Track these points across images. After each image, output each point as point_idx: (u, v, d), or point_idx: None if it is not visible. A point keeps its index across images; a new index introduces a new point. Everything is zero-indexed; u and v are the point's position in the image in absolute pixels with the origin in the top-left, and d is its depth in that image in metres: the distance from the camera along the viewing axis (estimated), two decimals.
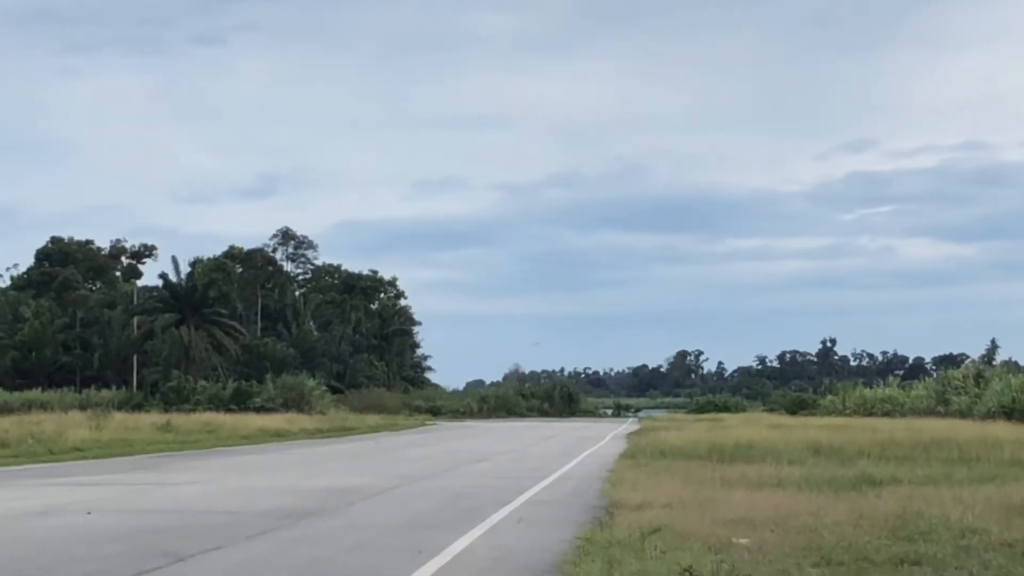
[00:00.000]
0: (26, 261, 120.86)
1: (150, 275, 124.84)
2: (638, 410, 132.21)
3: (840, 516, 15.03)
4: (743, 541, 12.90)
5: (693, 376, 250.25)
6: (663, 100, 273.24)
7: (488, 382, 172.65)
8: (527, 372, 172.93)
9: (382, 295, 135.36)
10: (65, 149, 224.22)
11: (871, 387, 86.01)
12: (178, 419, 52.11)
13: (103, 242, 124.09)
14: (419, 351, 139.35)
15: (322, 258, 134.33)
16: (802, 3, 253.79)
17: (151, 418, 52.95)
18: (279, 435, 51.24)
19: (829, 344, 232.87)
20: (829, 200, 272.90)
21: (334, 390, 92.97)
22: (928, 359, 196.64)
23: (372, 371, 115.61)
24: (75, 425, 43.71)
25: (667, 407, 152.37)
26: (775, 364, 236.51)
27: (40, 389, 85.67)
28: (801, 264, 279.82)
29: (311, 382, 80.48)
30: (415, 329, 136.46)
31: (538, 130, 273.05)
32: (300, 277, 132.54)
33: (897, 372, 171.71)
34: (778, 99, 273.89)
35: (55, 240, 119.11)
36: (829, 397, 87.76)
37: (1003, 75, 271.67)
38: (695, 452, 30.94)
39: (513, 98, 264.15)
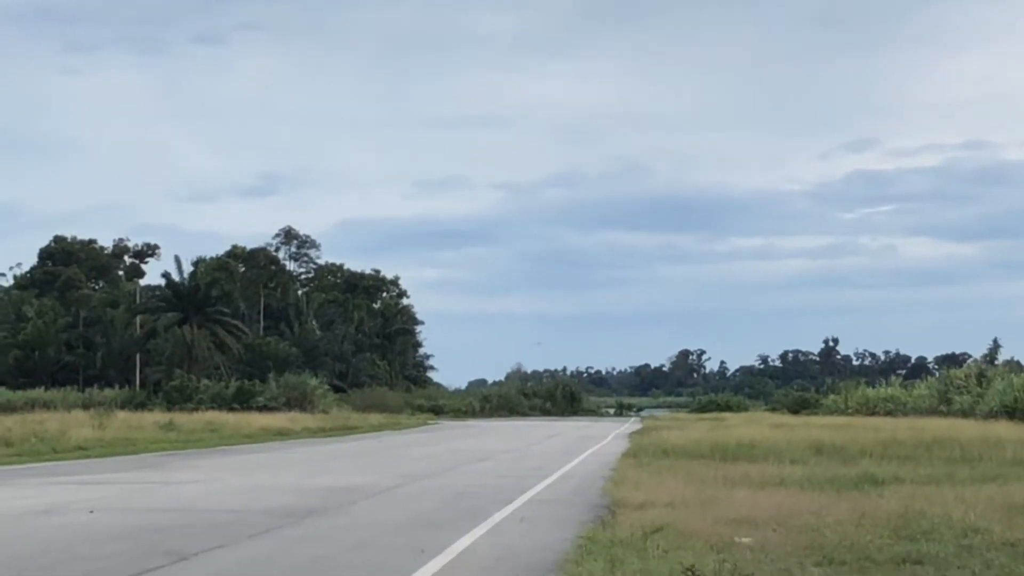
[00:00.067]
0: (29, 260, 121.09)
1: (153, 274, 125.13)
2: (640, 409, 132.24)
3: (842, 515, 15.03)
4: (745, 540, 12.91)
5: (695, 375, 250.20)
6: (664, 99, 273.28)
7: (490, 381, 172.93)
8: (529, 371, 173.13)
9: (384, 294, 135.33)
10: (67, 148, 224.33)
11: (873, 386, 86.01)
12: (181, 418, 52.13)
13: (106, 241, 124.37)
14: (421, 350, 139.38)
15: (324, 257, 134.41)
16: (803, 2, 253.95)
17: (154, 417, 52.95)
18: (281, 434, 51.25)
19: (831, 343, 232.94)
20: (831, 199, 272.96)
21: (336, 389, 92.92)
22: (930, 358, 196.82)
23: (374, 370, 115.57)
24: (78, 424, 43.73)
25: (669, 406, 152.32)
26: (777, 363, 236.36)
27: (43, 388, 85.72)
28: (803, 263, 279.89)
29: (313, 381, 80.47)
30: (417, 328, 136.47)
31: (539, 129, 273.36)
32: (303, 276, 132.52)
33: (899, 371, 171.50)
34: (779, 98, 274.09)
35: (58, 239, 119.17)
36: (831, 396, 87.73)
37: (1005, 74, 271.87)
38: (697, 451, 30.95)
39: (514, 98, 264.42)
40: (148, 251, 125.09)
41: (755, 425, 50.96)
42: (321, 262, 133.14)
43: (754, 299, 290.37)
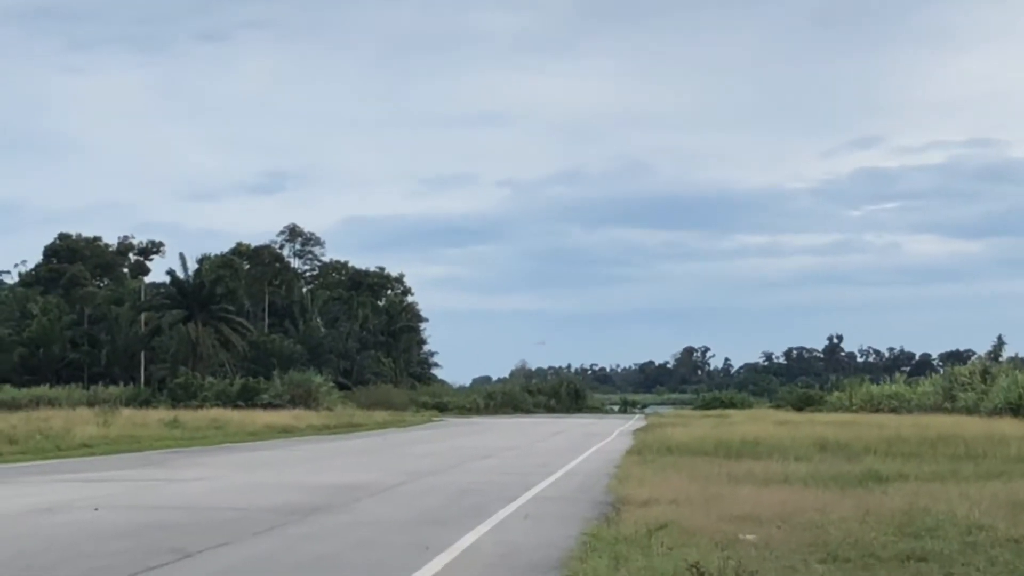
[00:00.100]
0: (34, 258, 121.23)
1: (157, 272, 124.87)
2: (645, 406, 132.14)
3: (846, 512, 15.03)
4: (750, 537, 12.91)
5: (699, 372, 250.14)
6: (667, 98, 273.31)
7: (495, 378, 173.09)
8: (534, 368, 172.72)
9: (389, 292, 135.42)
10: (71, 146, 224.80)
11: (878, 383, 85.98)
12: (185, 415, 52.18)
13: (111, 239, 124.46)
14: (426, 347, 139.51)
15: (329, 255, 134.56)
16: (806, 1, 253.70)
17: (158, 414, 52.98)
18: (286, 431, 51.23)
19: (836, 340, 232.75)
20: (836, 197, 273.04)
21: (341, 386, 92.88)
22: (935, 355, 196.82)
23: (379, 367, 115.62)
24: (83, 421, 43.75)
25: (674, 403, 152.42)
26: (781, 360, 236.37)
27: (48, 385, 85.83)
28: (808, 260, 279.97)
29: (318, 378, 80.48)
30: (422, 325, 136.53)
31: (542, 128, 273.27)
32: (307, 274, 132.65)
33: (904, 368, 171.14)
34: (783, 96, 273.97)
35: (63, 237, 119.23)
36: (836, 393, 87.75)
37: (1009, 72, 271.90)
38: (701, 448, 30.92)
39: (517, 96, 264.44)
40: (153, 248, 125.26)
41: (759, 422, 50.91)
42: (326, 259, 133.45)
43: (758, 296, 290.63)
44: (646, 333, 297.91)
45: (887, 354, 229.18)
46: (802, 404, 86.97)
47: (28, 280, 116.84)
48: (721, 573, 10.16)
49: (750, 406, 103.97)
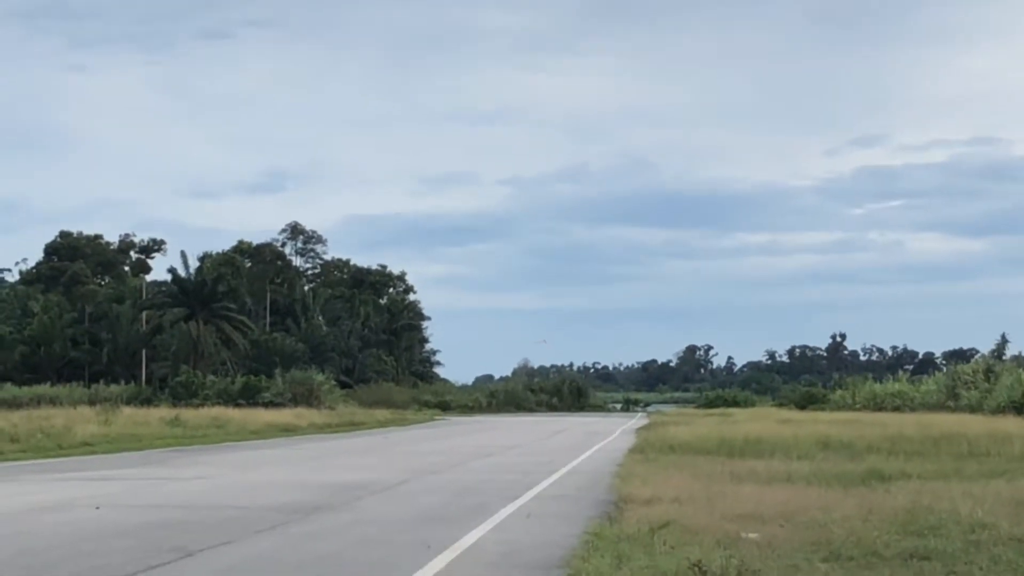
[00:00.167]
0: (35, 256, 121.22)
1: (159, 270, 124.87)
2: (647, 405, 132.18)
3: (849, 511, 14.99)
4: (752, 536, 12.88)
5: (702, 371, 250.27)
6: (670, 96, 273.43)
7: (497, 377, 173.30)
8: (536, 367, 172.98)
9: (391, 290, 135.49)
10: (73, 144, 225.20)
11: (881, 382, 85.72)
12: (187, 414, 52.21)
13: (112, 237, 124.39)
14: (428, 346, 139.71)
15: (331, 253, 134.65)
16: None
17: (160, 413, 52.99)
18: (288, 430, 51.26)
19: (839, 339, 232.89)
20: (838, 195, 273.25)
21: (343, 385, 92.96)
22: (938, 354, 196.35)
23: (381, 366, 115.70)
24: (84, 420, 43.77)
25: (676, 402, 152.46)
26: (784, 359, 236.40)
27: (49, 384, 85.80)
28: (810, 259, 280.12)
29: (320, 377, 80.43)
30: (424, 324, 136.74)
31: (545, 126, 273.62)
32: (309, 272, 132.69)
33: (907, 367, 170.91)
34: (787, 94, 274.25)
35: (64, 235, 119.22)
36: (839, 392, 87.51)
37: (1012, 70, 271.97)
38: (704, 447, 30.88)
39: (520, 94, 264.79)
40: (154, 247, 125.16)
41: (762, 421, 50.89)
42: (328, 258, 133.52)
43: (761, 295, 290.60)
44: (649, 331, 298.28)
45: (890, 352, 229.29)
46: (805, 403, 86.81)
47: (29, 278, 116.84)
48: (723, 572, 10.14)
49: (753, 404, 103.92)
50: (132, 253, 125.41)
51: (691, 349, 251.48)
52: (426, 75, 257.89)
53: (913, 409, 63.75)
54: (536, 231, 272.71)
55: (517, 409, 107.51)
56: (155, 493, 20.29)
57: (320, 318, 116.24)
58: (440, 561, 11.86)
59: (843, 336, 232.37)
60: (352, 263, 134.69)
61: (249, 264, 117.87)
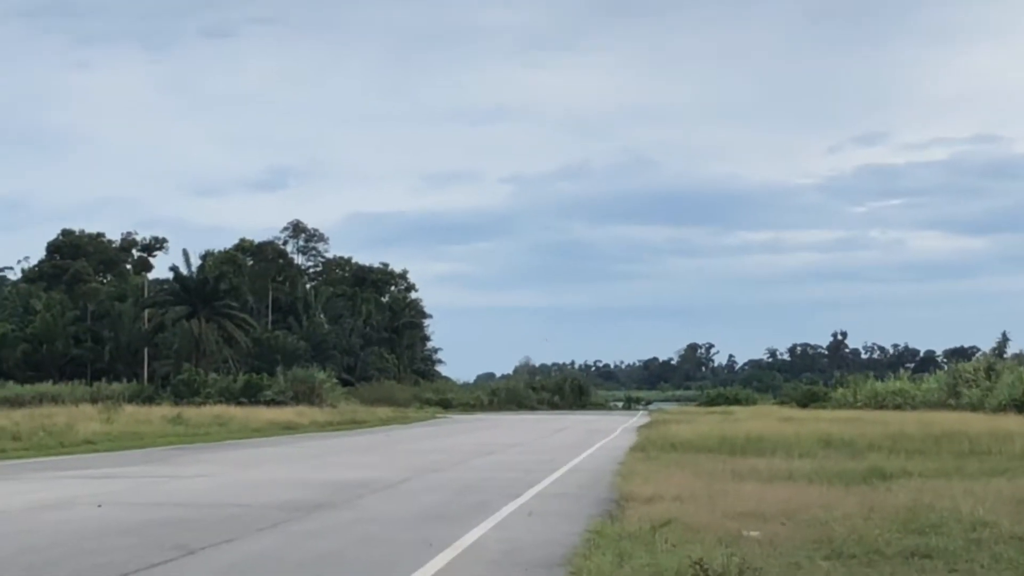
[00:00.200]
0: (37, 254, 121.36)
1: (161, 268, 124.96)
2: (649, 403, 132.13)
3: (851, 509, 14.99)
4: (754, 534, 12.88)
5: (704, 369, 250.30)
6: (673, 93, 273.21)
7: (498, 375, 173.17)
8: (537, 365, 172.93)
9: (393, 288, 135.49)
10: (76, 142, 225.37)
11: (882, 380, 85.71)
12: (188, 412, 52.27)
13: (114, 235, 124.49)
14: (430, 344, 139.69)
15: (333, 251, 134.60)
16: None
17: (162, 411, 53.06)
18: (289, 428, 51.31)
19: (840, 337, 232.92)
20: (840, 193, 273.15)
21: (344, 383, 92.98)
22: (939, 352, 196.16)
23: (383, 364, 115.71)
24: (86, 418, 43.81)
25: (678, 400, 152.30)
26: (786, 357, 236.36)
27: (51, 382, 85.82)
28: (812, 257, 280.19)
29: (321, 375, 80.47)
30: (426, 322, 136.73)
31: (548, 123, 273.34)
32: (311, 270, 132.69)
33: (908, 365, 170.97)
34: (789, 92, 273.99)
35: (66, 233, 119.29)
36: (840, 390, 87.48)
37: (1014, 68, 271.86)
38: (705, 445, 30.90)
39: (523, 92, 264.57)
40: (156, 245, 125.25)
41: (763, 419, 50.90)
42: (329, 256, 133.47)
43: (763, 292, 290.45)
44: (650, 329, 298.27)
45: (891, 350, 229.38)
46: (806, 401, 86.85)
47: (31, 276, 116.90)
48: (725, 570, 10.13)
49: (754, 403, 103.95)
50: (134, 251, 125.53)
51: (692, 347, 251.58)
52: (428, 73, 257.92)
53: (914, 407, 63.78)
54: (538, 229, 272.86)
55: (518, 407, 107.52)
56: (157, 491, 20.30)
57: (322, 316, 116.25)
58: (441, 559, 11.86)
59: (844, 334, 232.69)
60: (354, 261, 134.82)
61: (251, 262, 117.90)
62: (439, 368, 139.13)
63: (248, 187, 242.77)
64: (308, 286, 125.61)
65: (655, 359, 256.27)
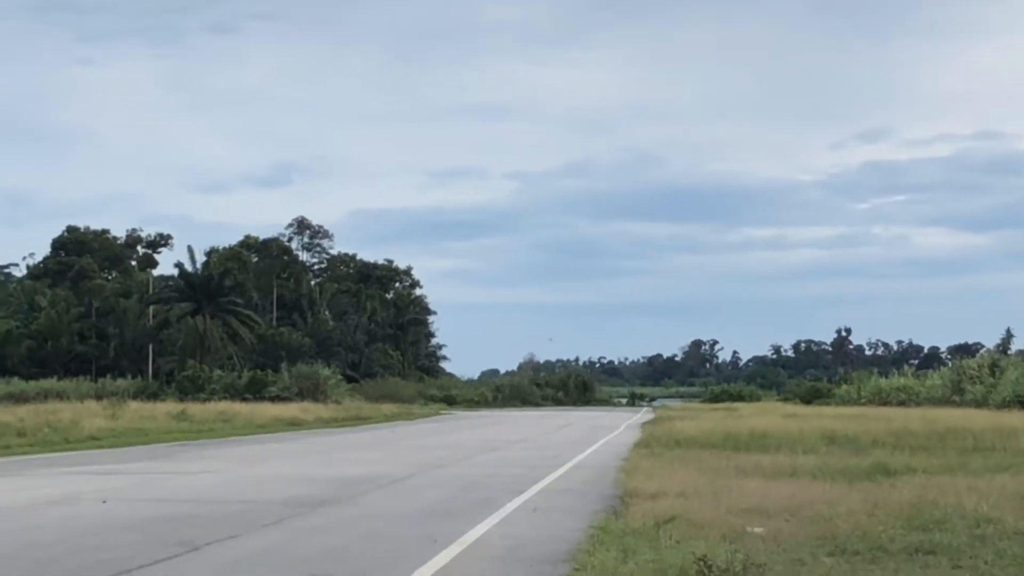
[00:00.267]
0: (42, 250, 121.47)
1: (166, 264, 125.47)
2: (653, 399, 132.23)
3: (855, 505, 15.00)
4: (758, 530, 12.89)
5: (708, 365, 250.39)
6: (677, 90, 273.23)
7: (503, 371, 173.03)
8: (542, 361, 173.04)
9: (397, 284, 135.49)
10: (80, 138, 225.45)
11: (886, 376, 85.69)
12: (193, 408, 52.28)
13: (119, 231, 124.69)
14: (434, 340, 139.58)
15: (337, 247, 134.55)
16: None
17: (166, 407, 53.10)
18: (294, 424, 51.35)
19: (844, 333, 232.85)
20: (844, 189, 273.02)
21: (349, 379, 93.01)
22: (943, 348, 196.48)
23: (387, 360, 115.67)
24: (91, 414, 43.83)
25: (682, 396, 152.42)
26: (790, 353, 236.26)
27: (56, 378, 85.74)
28: (816, 253, 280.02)
29: (326, 371, 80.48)
30: (430, 318, 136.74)
31: (552, 120, 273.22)
32: (315, 266, 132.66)
33: (912, 361, 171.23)
34: (793, 88, 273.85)
35: (71, 229, 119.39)
36: (844, 386, 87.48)
37: (1017, 64, 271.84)
38: (709, 441, 30.91)
39: (527, 88, 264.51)
40: (161, 241, 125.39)
41: (767, 415, 50.92)
42: (334, 252, 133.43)
43: (767, 289, 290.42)
44: (654, 326, 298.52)
45: (895, 347, 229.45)
46: (810, 397, 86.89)
47: (36, 273, 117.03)
48: (729, 566, 10.14)
49: (758, 399, 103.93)
50: (139, 248, 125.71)
51: (696, 344, 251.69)
52: (431, 69, 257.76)
53: (918, 404, 63.80)
54: (542, 225, 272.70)
55: (523, 403, 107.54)
56: (161, 487, 20.31)
57: (326, 312, 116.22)
58: (446, 555, 11.88)
59: (848, 330, 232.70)
60: (358, 257, 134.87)
61: (256, 259, 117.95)
62: (443, 364, 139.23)
63: (253, 184, 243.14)
64: (313, 283, 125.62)
65: (659, 356, 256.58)
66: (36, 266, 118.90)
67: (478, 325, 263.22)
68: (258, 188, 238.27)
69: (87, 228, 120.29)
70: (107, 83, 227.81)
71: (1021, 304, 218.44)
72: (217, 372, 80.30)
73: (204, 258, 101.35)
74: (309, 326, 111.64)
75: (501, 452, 31.81)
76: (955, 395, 62.54)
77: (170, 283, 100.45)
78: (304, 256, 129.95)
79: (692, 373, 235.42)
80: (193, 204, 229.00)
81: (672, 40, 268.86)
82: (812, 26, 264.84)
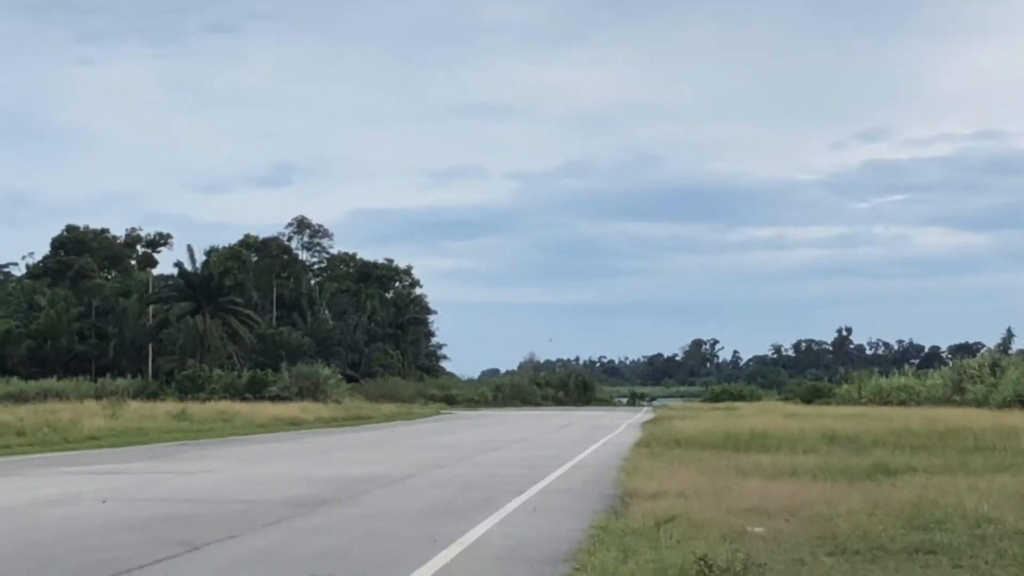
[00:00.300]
0: (42, 249, 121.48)
1: (165, 264, 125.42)
2: (653, 399, 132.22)
3: (855, 505, 14.99)
4: (758, 530, 12.88)
5: (708, 365, 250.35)
6: (677, 89, 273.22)
7: (503, 371, 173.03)
8: (542, 361, 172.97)
9: (397, 284, 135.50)
10: (80, 138, 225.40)
11: (886, 376, 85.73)
12: (193, 408, 52.27)
13: (118, 231, 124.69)
14: (434, 340, 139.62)
15: (337, 247, 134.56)
16: None
17: (166, 407, 53.11)
18: (294, 424, 51.36)
19: (844, 333, 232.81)
20: (844, 189, 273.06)
21: (349, 379, 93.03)
22: (944, 348, 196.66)
23: (387, 360, 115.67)
24: (90, 414, 43.84)
25: (682, 396, 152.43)
26: (790, 353, 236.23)
27: (56, 378, 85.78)
28: (816, 253, 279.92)
29: (326, 371, 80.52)
30: (430, 318, 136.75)
31: (552, 120, 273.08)
32: (315, 266, 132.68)
33: (913, 361, 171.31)
34: (793, 88, 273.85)
35: (71, 229, 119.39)
36: (844, 386, 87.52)
37: (1017, 64, 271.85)
38: (710, 441, 30.90)
39: (527, 88, 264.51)
40: (161, 240, 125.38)
41: (768, 415, 50.92)
42: (334, 252, 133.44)
43: (767, 289, 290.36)
44: (655, 326, 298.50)
45: (896, 346, 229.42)
46: (811, 397, 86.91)
47: (36, 272, 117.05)
48: (729, 566, 10.13)
49: (759, 399, 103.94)
50: (138, 247, 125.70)
51: (697, 343, 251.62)
52: (431, 69, 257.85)
53: (919, 403, 63.81)
54: (542, 225, 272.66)
55: (523, 403, 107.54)
56: (161, 487, 20.30)
57: (326, 312, 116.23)
58: (446, 555, 11.87)
59: (849, 330, 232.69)
60: (358, 257, 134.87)
61: (255, 258, 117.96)
62: (443, 364, 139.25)
63: (252, 183, 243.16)
64: (313, 282, 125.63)
65: (660, 355, 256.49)
66: (36, 265, 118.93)
67: (478, 325, 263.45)
68: (258, 188, 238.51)
69: (87, 227, 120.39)
70: (107, 83, 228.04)
71: (1022, 304, 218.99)
72: (217, 372, 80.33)
73: (204, 257, 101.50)
74: (309, 326, 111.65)
75: (501, 452, 31.80)
76: (956, 395, 62.56)
77: (170, 282, 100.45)
78: (304, 255, 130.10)
79: (692, 373, 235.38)
80: (193, 203, 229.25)
81: (672, 40, 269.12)
82: (812, 26, 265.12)
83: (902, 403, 66.34)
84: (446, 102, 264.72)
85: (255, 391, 72.25)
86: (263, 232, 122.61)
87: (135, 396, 67.80)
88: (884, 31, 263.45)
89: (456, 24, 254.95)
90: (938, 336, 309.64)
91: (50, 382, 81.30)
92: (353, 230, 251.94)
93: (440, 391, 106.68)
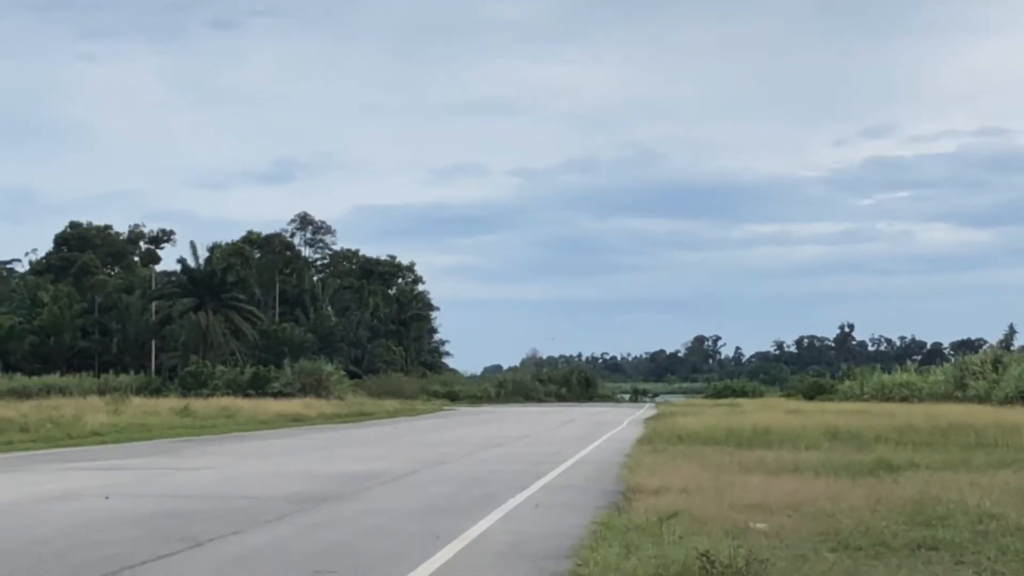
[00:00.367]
0: (45, 246, 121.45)
1: (168, 260, 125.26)
2: (655, 395, 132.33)
3: (857, 501, 14.99)
4: (760, 526, 12.88)
5: (710, 361, 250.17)
6: (679, 86, 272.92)
7: (505, 367, 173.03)
8: (544, 357, 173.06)
9: (400, 280, 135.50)
10: (83, 134, 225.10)
11: (889, 372, 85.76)
12: (196, 404, 52.29)
13: (121, 227, 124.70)
14: (437, 336, 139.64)
15: (340, 243, 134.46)
16: None
17: (169, 403, 53.10)
18: (297, 420, 51.36)
19: (847, 329, 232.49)
20: (847, 185, 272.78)
21: (352, 375, 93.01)
22: (946, 344, 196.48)
23: (390, 356, 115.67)
24: (93, 410, 43.85)
25: (684, 392, 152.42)
26: (793, 349, 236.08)
27: (59, 374, 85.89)
28: (819, 249, 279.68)
29: (329, 367, 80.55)
30: (433, 314, 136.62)
31: (554, 117, 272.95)
32: (318, 262, 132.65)
33: (915, 357, 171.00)
34: (796, 84, 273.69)
35: (73, 225, 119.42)
36: (847, 382, 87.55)
37: (1021, 61, 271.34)
38: (712, 437, 30.87)
39: (529, 85, 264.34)
40: (163, 237, 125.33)
41: (770, 411, 50.88)
42: (336, 248, 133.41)
43: (769, 285, 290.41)
44: (657, 322, 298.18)
45: (898, 343, 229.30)
46: (813, 393, 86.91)
47: (39, 268, 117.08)
48: (732, 562, 10.13)
49: (761, 395, 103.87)
50: (142, 243, 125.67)
51: (699, 339, 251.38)
52: (433, 66, 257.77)
53: (921, 399, 63.79)
54: (544, 222, 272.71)
55: (525, 399, 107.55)
56: (164, 483, 20.33)
57: (329, 308, 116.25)
58: (448, 551, 11.88)
59: (851, 326, 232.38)
60: (361, 253, 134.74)
61: (258, 254, 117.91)
62: (446, 360, 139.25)
63: (255, 179, 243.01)
64: (315, 278, 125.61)
65: (662, 351, 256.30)
66: (39, 262, 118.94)
67: (481, 321, 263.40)
68: (260, 184, 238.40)
69: (90, 224, 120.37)
70: (109, 80, 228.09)
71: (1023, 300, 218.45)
72: (220, 368, 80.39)
73: (207, 254, 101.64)
74: (312, 322, 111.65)
75: (503, 448, 31.81)
76: (958, 391, 62.54)
77: (173, 279, 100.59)
78: (307, 252, 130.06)
79: (695, 369, 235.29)
80: (195, 200, 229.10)
81: (673, 38, 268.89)
82: (812, 26, 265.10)
83: (904, 399, 66.34)
84: (447, 99, 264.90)
85: (258, 387, 72.27)
86: (266, 228, 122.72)
87: (138, 392, 67.91)
88: (884, 31, 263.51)
89: (457, 21, 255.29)
90: (940, 332, 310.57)
91: (53, 378, 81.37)
92: (356, 227, 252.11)
93: (443, 387, 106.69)
